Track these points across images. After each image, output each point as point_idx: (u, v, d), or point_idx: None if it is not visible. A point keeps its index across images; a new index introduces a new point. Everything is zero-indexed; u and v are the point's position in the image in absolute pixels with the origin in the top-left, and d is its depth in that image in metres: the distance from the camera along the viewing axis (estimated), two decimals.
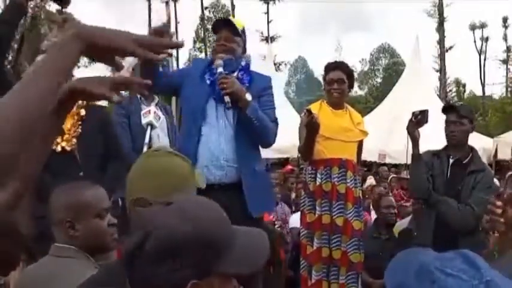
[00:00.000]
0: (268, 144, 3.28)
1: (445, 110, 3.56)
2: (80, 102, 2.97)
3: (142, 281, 1.03)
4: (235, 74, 3.19)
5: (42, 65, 0.98)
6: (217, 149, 3.09)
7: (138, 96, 4.26)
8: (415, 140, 3.47)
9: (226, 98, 3.04)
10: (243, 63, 3.26)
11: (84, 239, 1.87)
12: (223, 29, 3.24)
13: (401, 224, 4.45)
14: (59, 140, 3.07)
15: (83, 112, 3.19)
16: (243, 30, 3.30)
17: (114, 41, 1.02)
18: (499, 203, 1.94)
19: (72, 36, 0.99)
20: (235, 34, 3.23)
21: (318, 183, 3.67)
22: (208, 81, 3.18)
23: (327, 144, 3.66)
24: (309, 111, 3.35)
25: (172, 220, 1.05)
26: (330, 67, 3.84)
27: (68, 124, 3.13)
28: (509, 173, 5.37)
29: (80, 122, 3.18)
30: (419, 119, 3.42)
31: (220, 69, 3.09)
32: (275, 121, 3.26)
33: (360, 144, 3.90)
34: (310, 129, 3.43)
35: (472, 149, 3.54)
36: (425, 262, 0.98)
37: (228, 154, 3.09)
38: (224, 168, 3.09)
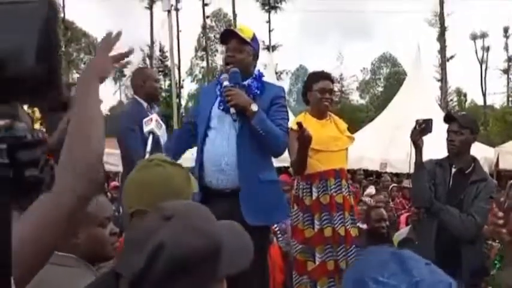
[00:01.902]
0: (277, 153, 3.28)
1: (446, 120, 3.56)
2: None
3: None
4: (246, 82, 3.23)
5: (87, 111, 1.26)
6: (219, 154, 3.13)
7: (145, 104, 4.27)
8: (418, 149, 3.46)
9: (232, 110, 3.09)
10: (256, 72, 3.31)
11: (85, 248, 1.87)
12: (230, 40, 3.26)
13: (401, 234, 4.41)
14: None
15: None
16: (253, 38, 3.29)
17: (107, 69, 1.43)
18: (500, 214, 1.92)
19: (93, 77, 1.35)
20: (244, 43, 3.23)
21: (314, 197, 3.61)
22: (218, 92, 3.25)
23: (319, 156, 3.61)
24: (300, 125, 3.27)
25: (180, 235, 1.04)
26: (320, 76, 3.81)
27: None
28: (511, 181, 5.35)
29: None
30: (423, 127, 3.41)
31: (226, 83, 3.15)
32: (285, 131, 3.25)
33: (347, 151, 3.88)
34: (302, 142, 3.34)
35: (474, 159, 3.53)
36: (364, 271, 0.97)
37: (229, 159, 3.11)
38: (226, 172, 3.12)
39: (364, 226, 4.92)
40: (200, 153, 3.20)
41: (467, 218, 3.31)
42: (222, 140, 3.16)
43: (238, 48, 3.23)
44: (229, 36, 3.29)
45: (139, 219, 1.47)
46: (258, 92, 3.24)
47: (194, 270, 1.02)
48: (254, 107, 3.08)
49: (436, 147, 3.92)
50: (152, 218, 1.09)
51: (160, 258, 1.00)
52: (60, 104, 3.25)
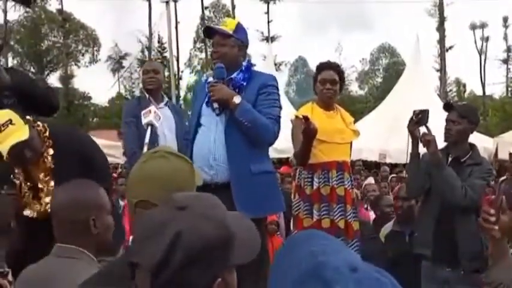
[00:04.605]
0: (267, 143, 3.31)
1: (446, 108, 3.58)
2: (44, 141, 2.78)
3: (172, 286, 1.04)
4: (232, 75, 3.26)
5: None
6: (206, 149, 3.20)
7: (147, 96, 4.29)
8: (415, 139, 3.49)
9: (215, 105, 3.20)
10: (244, 64, 3.33)
11: (102, 236, 1.95)
12: (213, 35, 3.35)
13: (386, 228, 4.40)
14: (37, 205, 2.81)
15: (50, 161, 2.80)
16: (236, 29, 3.32)
17: None
18: (492, 211, 1.95)
19: None
20: (226, 36, 3.28)
21: (315, 187, 3.61)
22: (207, 89, 3.30)
23: (322, 147, 3.60)
24: (306, 118, 3.27)
25: (196, 224, 1.06)
26: (323, 67, 3.79)
27: (39, 183, 2.82)
28: (501, 178, 5.40)
29: (48, 175, 2.82)
30: (419, 118, 3.43)
31: (210, 79, 3.26)
32: (275, 119, 3.25)
33: (351, 144, 3.88)
34: (308, 135, 3.34)
35: (472, 147, 3.54)
36: None
37: (217, 154, 3.17)
38: (214, 167, 3.17)
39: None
40: (190, 150, 3.26)
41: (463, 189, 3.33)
42: (209, 136, 3.22)
43: (221, 42, 3.29)
44: (211, 32, 3.38)
45: (143, 210, 1.49)
46: (244, 83, 3.26)
47: (210, 258, 1.04)
48: (236, 99, 3.13)
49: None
50: (165, 209, 1.11)
51: (178, 247, 1.02)
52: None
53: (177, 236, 1.03)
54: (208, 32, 3.44)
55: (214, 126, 3.22)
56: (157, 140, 3.78)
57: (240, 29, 3.34)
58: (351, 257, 0.83)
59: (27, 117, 2.73)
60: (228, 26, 3.31)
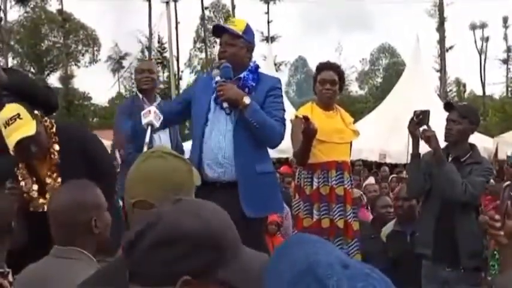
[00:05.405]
0: (273, 145, 3.32)
1: (446, 108, 3.57)
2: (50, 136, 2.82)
3: (138, 268, 1.03)
4: (241, 74, 3.26)
5: None
6: (216, 147, 3.19)
7: (140, 96, 4.28)
8: (415, 139, 3.49)
9: (225, 104, 3.17)
10: (251, 64, 3.34)
11: (103, 235, 1.97)
12: (222, 34, 3.31)
13: (387, 228, 4.41)
14: (42, 200, 2.84)
15: (56, 156, 2.85)
16: (245, 30, 3.31)
17: None
18: (497, 217, 1.94)
19: None
20: (235, 37, 3.27)
21: (314, 187, 3.61)
22: (214, 85, 3.27)
23: (322, 147, 3.60)
24: (306, 118, 3.28)
25: (181, 215, 1.05)
26: (323, 67, 3.79)
27: (46, 178, 2.85)
28: (505, 183, 5.40)
29: (56, 171, 2.86)
30: (420, 118, 3.43)
31: (217, 78, 3.20)
32: (281, 121, 3.28)
33: (351, 144, 3.88)
34: (307, 135, 3.34)
35: (472, 147, 3.54)
36: None
37: (227, 152, 3.17)
38: (223, 165, 3.18)
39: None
40: (198, 147, 3.24)
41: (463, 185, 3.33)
42: (218, 134, 3.21)
43: (230, 42, 3.27)
44: (219, 31, 3.35)
45: (141, 209, 1.49)
46: (254, 84, 3.27)
47: (183, 250, 1.02)
48: (246, 100, 3.12)
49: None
50: (164, 203, 1.12)
51: (152, 229, 1.02)
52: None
53: (155, 221, 1.04)
54: (217, 30, 3.41)
55: (223, 125, 3.22)
56: (153, 140, 3.78)
57: (248, 30, 3.35)
58: (342, 256, 0.88)
59: (35, 112, 2.75)
60: (237, 26, 3.29)
